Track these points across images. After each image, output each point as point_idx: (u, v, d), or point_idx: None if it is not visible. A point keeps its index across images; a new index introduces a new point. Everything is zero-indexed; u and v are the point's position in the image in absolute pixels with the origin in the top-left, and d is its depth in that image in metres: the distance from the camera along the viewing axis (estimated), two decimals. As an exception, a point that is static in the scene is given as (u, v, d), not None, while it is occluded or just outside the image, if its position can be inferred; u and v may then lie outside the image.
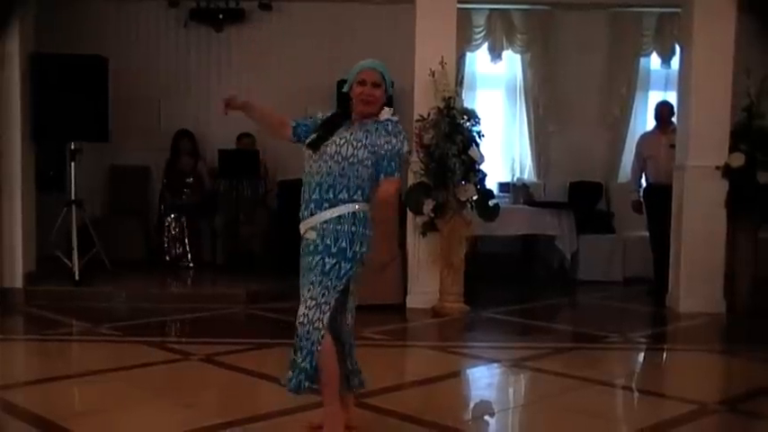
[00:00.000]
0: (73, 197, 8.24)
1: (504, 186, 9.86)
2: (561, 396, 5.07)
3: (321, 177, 3.86)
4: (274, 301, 7.86)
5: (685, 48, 7.95)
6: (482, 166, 7.42)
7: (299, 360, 3.85)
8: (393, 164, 3.91)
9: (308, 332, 3.83)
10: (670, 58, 10.22)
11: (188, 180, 9.49)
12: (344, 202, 3.85)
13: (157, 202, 9.76)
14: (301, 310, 3.87)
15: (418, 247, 7.69)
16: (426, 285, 7.66)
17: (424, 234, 7.49)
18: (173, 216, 9.36)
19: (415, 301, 7.70)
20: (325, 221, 3.85)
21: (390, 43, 8.91)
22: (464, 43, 9.84)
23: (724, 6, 7.53)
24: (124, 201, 9.99)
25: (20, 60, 7.76)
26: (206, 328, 7.12)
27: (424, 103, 7.50)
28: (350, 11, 9.89)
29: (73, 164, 8.26)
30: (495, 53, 10.27)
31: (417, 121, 7.48)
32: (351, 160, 3.84)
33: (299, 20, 9.99)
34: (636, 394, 5.44)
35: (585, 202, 9.89)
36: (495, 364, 5.90)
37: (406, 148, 4.00)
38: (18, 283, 7.81)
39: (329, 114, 4.11)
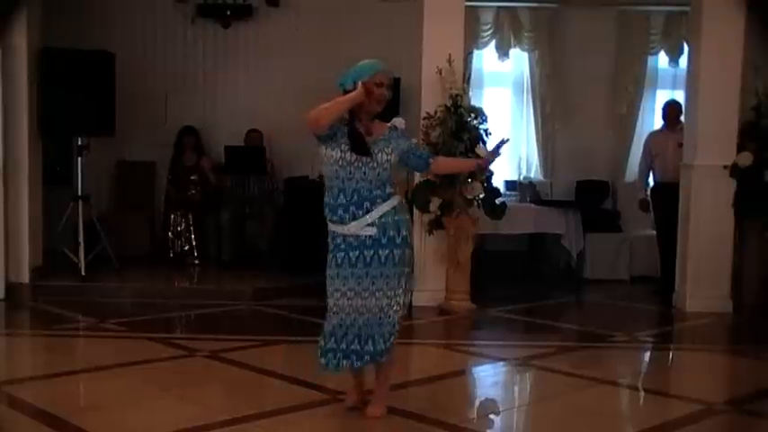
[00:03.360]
0: (79, 192, 8.26)
1: (510, 185, 9.84)
2: (567, 395, 5.06)
3: (357, 183, 4.21)
4: (280, 298, 7.87)
5: (693, 46, 7.93)
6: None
7: (373, 348, 4.27)
8: (422, 151, 4.57)
9: (399, 317, 4.30)
10: (678, 57, 10.19)
11: (192, 176, 9.48)
12: (384, 198, 4.26)
13: (163, 197, 9.76)
14: (371, 302, 4.24)
15: (425, 245, 7.67)
16: (433, 283, 7.65)
17: (430, 232, 7.48)
18: (178, 212, 9.35)
19: (421, 298, 7.67)
20: (382, 215, 4.24)
21: (398, 40, 8.89)
22: (471, 41, 9.80)
23: (732, 5, 7.50)
24: (130, 196, 9.99)
25: (27, 55, 7.77)
26: (212, 325, 7.12)
27: (431, 101, 7.48)
28: (357, 7, 9.86)
29: (80, 159, 8.28)
30: (503, 51, 10.24)
31: (424, 118, 7.47)
32: (384, 166, 4.24)
33: (307, 16, 9.97)
34: (642, 394, 5.42)
35: (592, 200, 9.87)
36: (501, 363, 5.90)
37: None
38: (25, 278, 7.82)
39: (346, 125, 4.27)
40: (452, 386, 5.36)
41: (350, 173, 4.20)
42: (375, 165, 4.21)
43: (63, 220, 8.17)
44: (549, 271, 9.65)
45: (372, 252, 4.22)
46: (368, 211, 4.21)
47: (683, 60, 9.62)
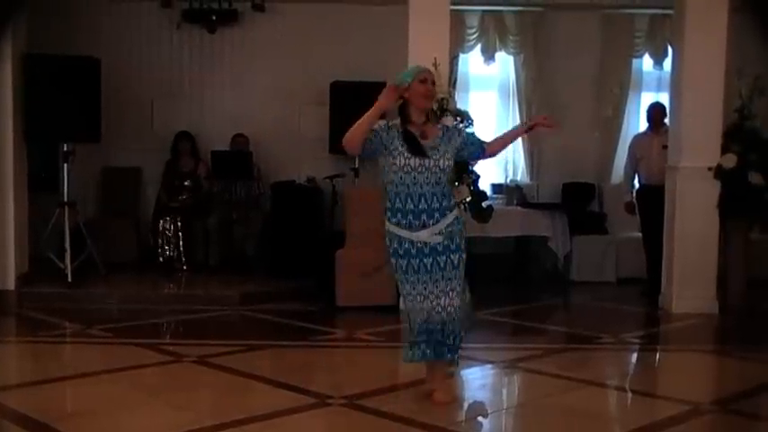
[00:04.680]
0: (65, 198, 8.23)
1: (497, 188, 9.87)
2: (554, 397, 5.08)
3: (423, 188, 4.46)
4: (267, 303, 7.86)
5: (677, 49, 7.97)
6: (475, 168, 7.42)
7: (452, 342, 4.71)
8: (474, 137, 4.83)
9: (458, 316, 4.62)
10: (662, 60, 10.24)
11: (186, 182, 9.43)
12: (450, 208, 4.57)
13: (151, 203, 9.72)
14: (444, 301, 4.61)
15: (411, 249, 7.67)
16: (420, 287, 7.64)
17: (417, 235, 7.47)
18: (167, 217, 9.31)
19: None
20: (448, 225, 4.56)
21: (383, 44, 8.92)
22: (457, 44, 9.83)
23: (716, 8, 7.54)
24: (116, 202, 9.95)
25: (12, 61, 7.73)
26: (199, 330, 7.11)
27: (417, 105, 7.48)
28: (343, 12, 9.87)
29: (65, 165, 8.25)
30: (488, 54, 10.27)
31: (410, 122, 7.46)
32: (446, 171, 4.52)
33: (292, 21, 9.97)
34: (629, 395, 5.45)
35: (578, 203, 9.90)
36: (489, 365, 5.91)
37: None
38: (10, 284, 7.78)
39: (397, 126, 4.49)
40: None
41: (414, 178, 4.44)
42: (437, 170, 4.45)
43: (49, 226, 8.14)
44: (536, 273, 9.67)
45: (445, 258, 4.57)
46: (437, 222, 4.50)
47: (668, 63, 9.66)
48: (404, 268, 4.59)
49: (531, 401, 5.16)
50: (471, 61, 10.36)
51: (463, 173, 7.31)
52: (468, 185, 7.35)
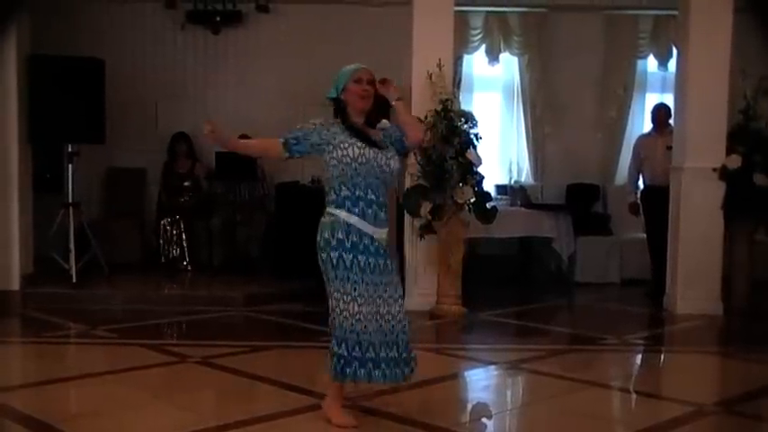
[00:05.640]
0: (70, 199, 8.24)
1: (501, 188, 9.87)
2: (558, 398, 5.07)
3: (375, 181, 4.23)
4: (271, 304, 7.87)
5: (682, 50, 7.96)
6: (479, 169, 7.42)
7: (407, 353, 4.32)
8: (397, 131, 4.42)
9: (404, 327, 4.30)
10: (667, 61, 10.23)
11: (185, 183, 9.47)
12: (387, 210, 4.33)
13: (154, 204, 9.74)
14: (395, 309, 4.27)
15: (416, 250, 7.69)
16: (424, 288, 7.66)
17: (421, 236, 7.49)
18: (170, 218, 9.33)
19: (412, 303, 7.65)
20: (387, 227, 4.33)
21: (387, 45, 8.92)
22: (461, 46, 9.85)
23: (720, 8, 7.54)
24: (121, 203, 9.97)
25: (17, 62, 7.75)
26: (203, 331, 7.11)
27: (421, 106, 7.48)
28: (347, 13, 9.89)
29: (70, 166, 8.26)
30: (493, 55, 10.27)
31: (414, 123, 7.46)
32: (393, 173, 4.33)
33: (296, 22, 9.98)
34: (633, 396, 5.44)
35: (583, 204, 9.89)
36: (493, 367, 5.90)
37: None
38: (15, 285, 7.79)
39: (335, 123, 4.32)
40: (444, 390, 5.35)
41: (368, 170, 4.20)
42: (387, 168, 4.27)
43: (53, 226, 8.16)
44: (540, 274, 9.66)
45: (383, 260, 4.27)
46: (386, 219, 4.30)
47: (672, 64, 9.67)
48: (347, 264, 4.15)
49: (534, 403, 5.15)
50: (475, 62, 10.37)
51: (467, 173, 7.31)
52: (472, 186, 7.35)
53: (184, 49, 10.13)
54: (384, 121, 4.42)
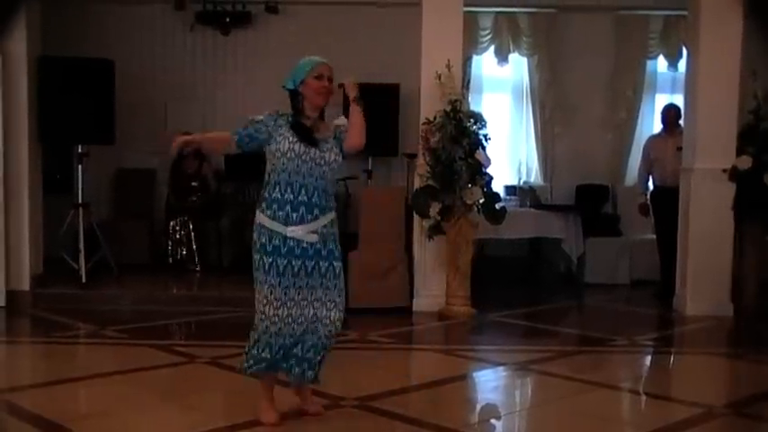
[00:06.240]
0: (80, 200, 8.27)
1: (510, 189, 9.85)
2: (567, 399, 5.06)
3: (305, 179, 4.14)
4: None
5: (692, 50, 7.94)
6: (488, 170, 7.41)
7: (320, 357, 4.32)
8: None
9: (329, 330, 4.24)
10: (677, 61, 10.21)
11: (193, 183, 9.48)
12: (330, 208, 4.25)
13: (163, 204, 9.76)
14: (322, 312, 4.21)
15: (425, 251, 7.68)
16: (433, 288, 7.66)
17: (430, 237, 7.48)
18: (178, 219, 9.35)
19: (421, 304, 7.69)
20: (325, 225, 4.21)
21: (397, 46, 8.93)
22: (470, 46, 9.84)
23: (731, 8, 7.51)
24: (130, 204, 9.99)
25: (27, 63, 7.78)
26: (212, 331, 7.12)
27: (430, 106, 7.49)
28: (356, 14, 9.89)
29: (80, 167, 8.29)
30: (502, 56, 10.26)
31: (424, 123, 7.47)
32: (332, 166, 4.21)
33: (306, 23, 9.98)
34: (642, 397, 5.43)
35: (592, 204, 9.87)
36: (502, 368, 5.89)
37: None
38: (25, 285, 7.82)
39: (286, 115, 4.29)
40: (453, 391, 5.35)
41: (297, 166, 4.13)
42: (323, 162, 4.17)
43: (63, 227, 8.18)
44: (550, 275, 9.64)
45: (314, 263, 4.18)
46: (316, 218, 4.17)
47: (682, 64, 9.65)
48: (266, 268, 4.22)
49: (543, 404, 5.14)
50: (485, 63, 10.36)
51: (476, 174, 7.31)
52: (482, 187, 7.35)
53: (194, 50, 10.15)
54: (342, 117, 4.38)
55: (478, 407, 5.11)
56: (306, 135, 4.19)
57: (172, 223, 9.35)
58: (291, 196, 4.14)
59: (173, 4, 9.87)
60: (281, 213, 4.16)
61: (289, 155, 4.15)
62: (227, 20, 9.96)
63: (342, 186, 9.15)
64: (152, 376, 5.43)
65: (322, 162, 4.17)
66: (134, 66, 9.50)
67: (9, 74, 7.67)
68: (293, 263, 4.15)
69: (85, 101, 8.03)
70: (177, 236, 9.34)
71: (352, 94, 4.34)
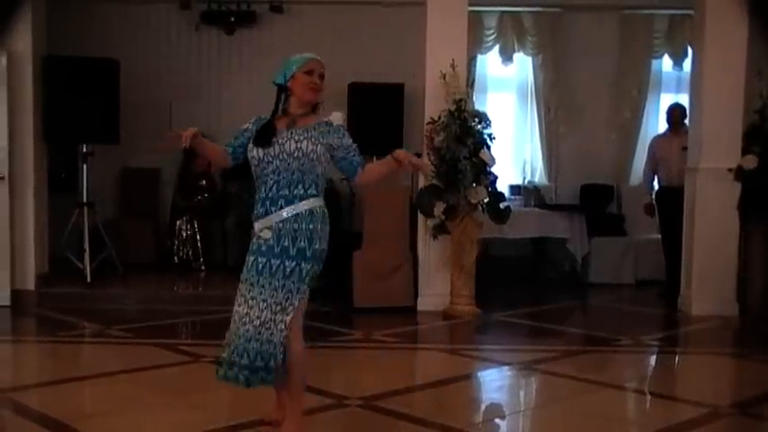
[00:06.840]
0: (85, 199, 8.28)
1: (515, 189, 9.84)
2: (572, 399, 5.06)
3: (279, 175, 3.92)
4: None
5: (697, 49, 7.92)
6: (493, 169, 7.41)
7: (246, 361, 3.93)
8: (358, 156, 4.13)
9: (271, 334, 3.88)
10: (682, 60, 10.19)
11: (201, 182, 9.50)
12: (301, 198, 3.91)
13: (169, 204, 9.77)
14: (266, 314, 3.88)
15: (429, 250, 7.68)
16: (437, 288, 7.65)
17: (434, 237, 7.48)
18: (184, 218, 9.36)
19: (425, 303, 7.69)
20: (282, 221, 3.90)
21: (401, 46, 8.92)
22: (475, 46, 9.83)
23: (736, 8, 7.50)
24: (135, 203, 10.00)
25: (32, 62, 7.78)
26: (217, 330, 7.06)
27: (434, 106, 7.49)
28: (361, 13, 9.89)
29: (85, 166, 8.30)
30: (506, 55, 10.25)
31: (428, 123, 7.48)
32: (311, 156, 3.90)
33: (310, 22, 9.98)
34: (648, 397, 5.42)
35: (597, 204, 9.87)
36: (506, 367, 5.89)
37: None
38: (30, 284, 7.83)
39: (264, 117, 4.12)
40: (458, 391, 5.34)
41: (263, 169, 3.95)
42: (284, 155, 3.89)
43: (68, 226, 8.20)
44: (554, 275, 9.64)
45: (265, 260, 3.88)
46: (280, 208, 3.90)
47: (687, 63, 9.62)
48: (248, 266, 3.97)
49: (548, 403, 5.14)
50: (489, 62, 10.35)
51: (481, 174, 7.31)
52: (486, 186, 7.34)
53: (198, 49, 10.16)
54: (337, 114, 4.26)
55: (483, 406, 5.10)
56: (259, 137, 3.99)
57: (177, 222, 9.37)
58: (264, 195, 3.97)
59: (178, 4, 9.86)
60: (258, 211, 4.00)
61: (253, 161, 4.01)
62: (232, 19, 9.96)
63: (346, 186, 9.15)
64: (157, 375, 5.44)
65: (283, 155, 3.90)
66: (139, 65, 9.51)
67: (14, 73, 7.68)
68: (259, 260, 3.92)
69: (90, 100, 8.04)
70: (182, 235, 9.35)
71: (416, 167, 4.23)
